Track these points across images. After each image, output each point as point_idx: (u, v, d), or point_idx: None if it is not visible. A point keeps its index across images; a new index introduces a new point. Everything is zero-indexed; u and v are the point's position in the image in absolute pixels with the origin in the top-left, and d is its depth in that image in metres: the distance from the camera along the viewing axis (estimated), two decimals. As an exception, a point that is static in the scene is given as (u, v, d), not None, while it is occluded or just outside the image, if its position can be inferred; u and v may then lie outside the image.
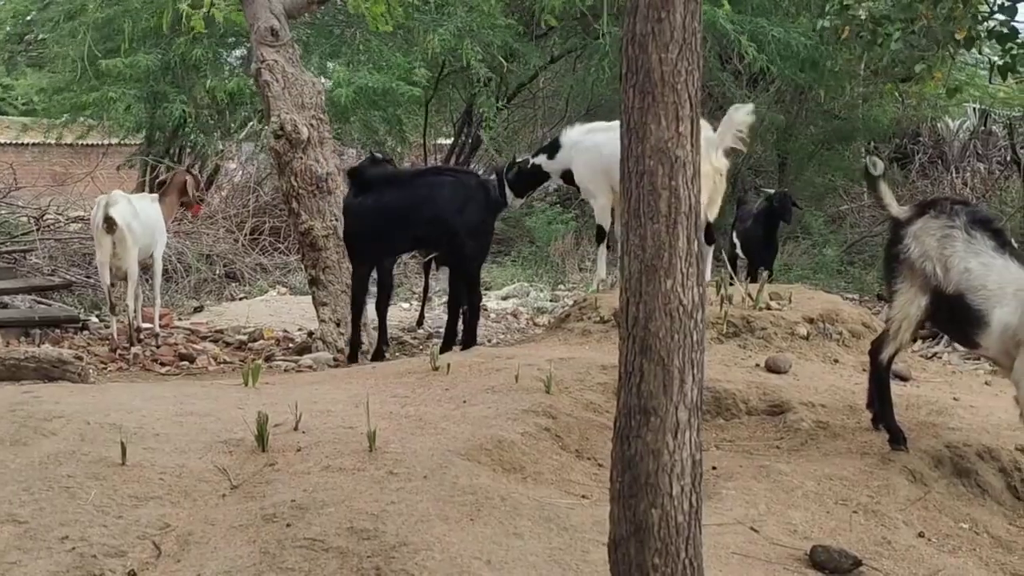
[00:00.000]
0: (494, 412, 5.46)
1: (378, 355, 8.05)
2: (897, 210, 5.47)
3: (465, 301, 7.97)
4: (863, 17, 7.27)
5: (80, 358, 7.78)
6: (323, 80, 12.62)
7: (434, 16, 13.37)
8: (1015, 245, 5.41)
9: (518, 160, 9.64)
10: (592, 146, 8.63)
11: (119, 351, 9.00)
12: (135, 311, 9.34)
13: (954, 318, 5.32)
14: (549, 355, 6.59)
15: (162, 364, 8.65)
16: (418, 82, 13.20)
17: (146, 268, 10.13)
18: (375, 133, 15.59)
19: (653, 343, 3.09)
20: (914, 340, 5.97)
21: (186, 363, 8.71)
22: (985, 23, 8.38)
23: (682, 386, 3.09)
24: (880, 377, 5.61)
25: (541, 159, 9.16)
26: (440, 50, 12.98)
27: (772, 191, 12.14)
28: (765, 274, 9.22)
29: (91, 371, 7.73)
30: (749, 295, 7.50)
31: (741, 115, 7.83)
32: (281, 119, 8.65)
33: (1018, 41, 8.05)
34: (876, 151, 19.30)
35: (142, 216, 9.28)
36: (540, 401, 5.65)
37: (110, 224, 8.97)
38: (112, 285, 9.20)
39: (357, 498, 4.29)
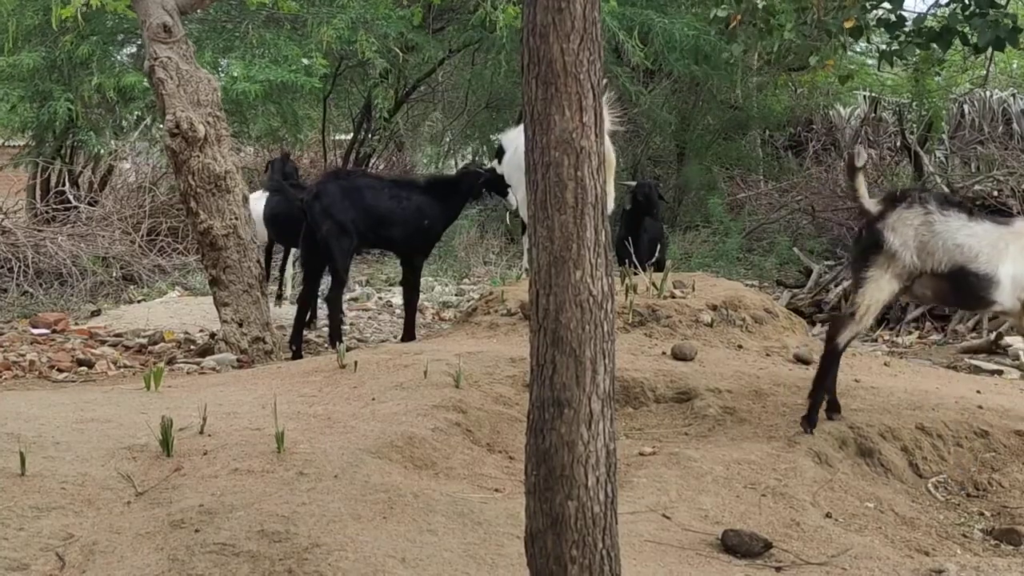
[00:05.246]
0: (403, 408, 5.43)
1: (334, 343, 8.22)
2: (868, 204, 5.70)
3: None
4: (760, 5, 7.38)
5: (-28, 367, 7.59)
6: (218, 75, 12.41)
7: (328, 8, 13.21)
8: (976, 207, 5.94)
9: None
10: (514, 147, 9.21)
11: None
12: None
13: (960, 289, 5.68)
14: (457, 349, 6.57)
15: (59, 371, 8.41)
16: (314, 71, 13.00)
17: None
18: (275, 130, 15.40)
19: (564, 335, 3.08)
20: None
21: (84, 369, 8.47)
22: (873, 12, 8.59)
23: (594, 377, 3.09)
24: (831, 361, 5.70)
25: (495, 164, 9.88)
26: (335, 42, 12.83)
27: (635, 183, 11.65)
28: (658, 264, 9.36)
29: (-15, 380, 7.52)
30: (654, 283, 7.57)
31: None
32: (177, 117, 8.46)
33: (905, 29, 8.27)
34: (771, 139, 19.66)
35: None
36: (450, 396, 5.64)
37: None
38: None
39: (267, 500, 4.23)
